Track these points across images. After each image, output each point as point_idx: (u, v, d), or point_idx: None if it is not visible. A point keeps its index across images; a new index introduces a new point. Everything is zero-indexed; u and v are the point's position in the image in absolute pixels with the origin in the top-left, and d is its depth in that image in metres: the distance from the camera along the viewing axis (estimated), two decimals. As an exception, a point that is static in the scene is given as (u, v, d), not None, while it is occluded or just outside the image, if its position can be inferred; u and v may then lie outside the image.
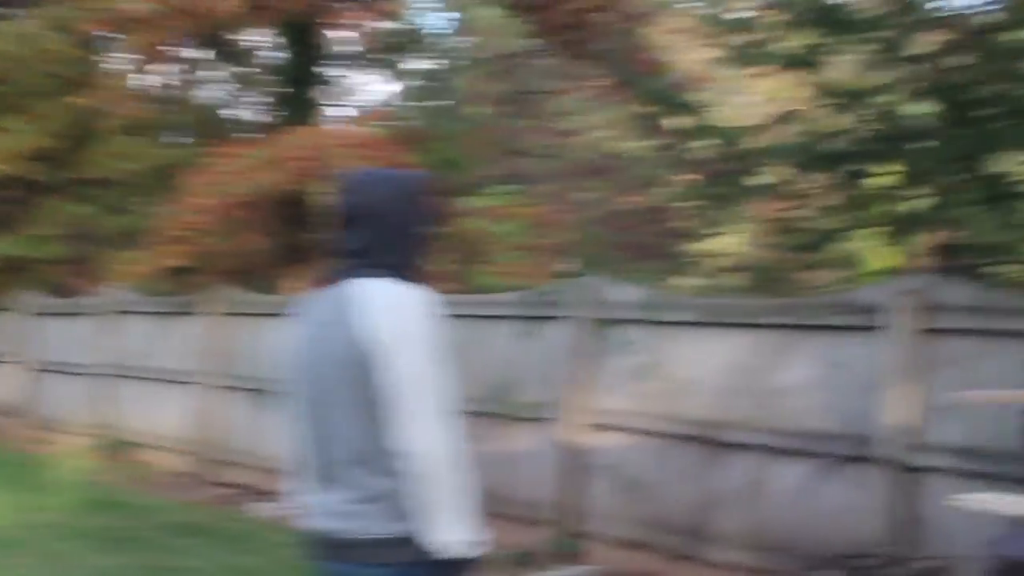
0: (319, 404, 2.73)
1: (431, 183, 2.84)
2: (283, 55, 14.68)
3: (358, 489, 2.64)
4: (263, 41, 15.45)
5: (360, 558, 2.63)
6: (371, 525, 2.62)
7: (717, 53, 10.24)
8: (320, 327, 2.75)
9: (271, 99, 15.10)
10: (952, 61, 9.26)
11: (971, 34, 9.07)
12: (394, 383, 2.59)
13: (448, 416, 2.62)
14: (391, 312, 2.62)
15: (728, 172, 9.89)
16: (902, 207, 8.94)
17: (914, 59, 9.36)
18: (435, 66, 17.89)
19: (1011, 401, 5.56)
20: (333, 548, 2.69)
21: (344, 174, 2.84)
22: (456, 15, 18.76)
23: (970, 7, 9.78)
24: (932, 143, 8.85)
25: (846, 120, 9.66)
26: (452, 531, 2.58)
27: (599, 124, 15.41)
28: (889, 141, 9.00)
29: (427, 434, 2.57)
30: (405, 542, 2.59)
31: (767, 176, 10.24)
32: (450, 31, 18.98)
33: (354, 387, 2.62)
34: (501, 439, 8.44)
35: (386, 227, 2.73)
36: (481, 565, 2.65)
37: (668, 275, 10.84)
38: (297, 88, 14.32)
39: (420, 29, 17.18)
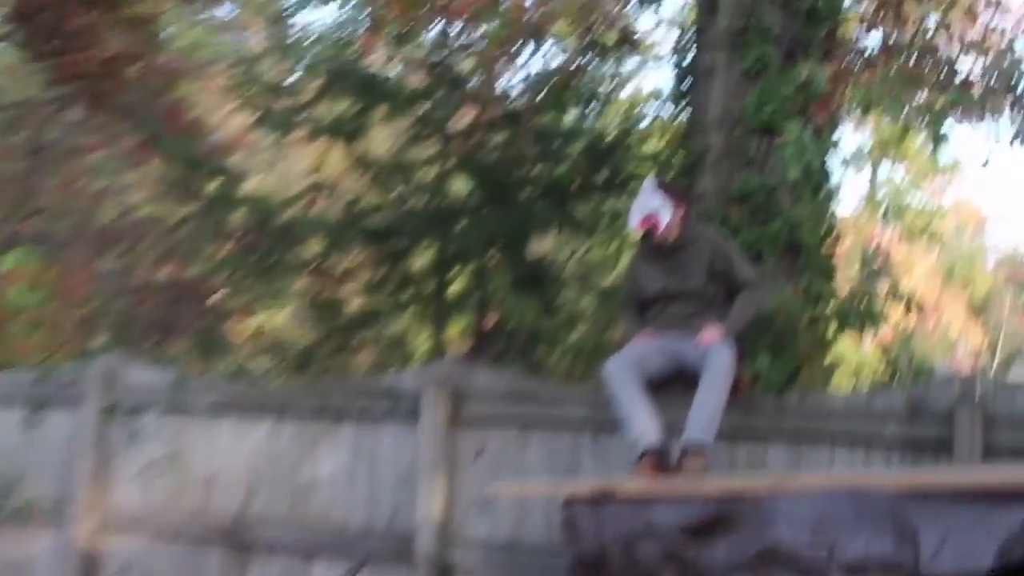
0: None
1: None
2: None
3: None
4: None
5: None
6: None
7: (254, 116, 9.98)
8: None
9: None
10: (488, 139, 9.62)
11: (507, 114, 9.46)
12: None
13: None
14: None
15: (266, 245, 9.62)
16: (443, 288, 9.05)
17: (451, 135, 9.61)
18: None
19: (544, 493, 5.64)
20: None
21: None
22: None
23: (510, 87, 10.25)
24: (467, 222, 9.08)
25: (387, 195, 9.72)
26: None
27: (129, 185, 14.61)
28: (429, 218, 9.12)
29: None
30: None
31: (307, 250, 10.06)
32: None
33: None
34: (6, 544, 7.56)
35: None
36: None
37: (199, 356, 10.32)
38: None
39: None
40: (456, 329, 9.54)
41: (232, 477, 6.87)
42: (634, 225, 5.44)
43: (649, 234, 5.45)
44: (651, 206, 5.37)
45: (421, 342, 9.98)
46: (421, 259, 9.36)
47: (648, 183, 5.46)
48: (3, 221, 13.66)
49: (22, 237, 13.65)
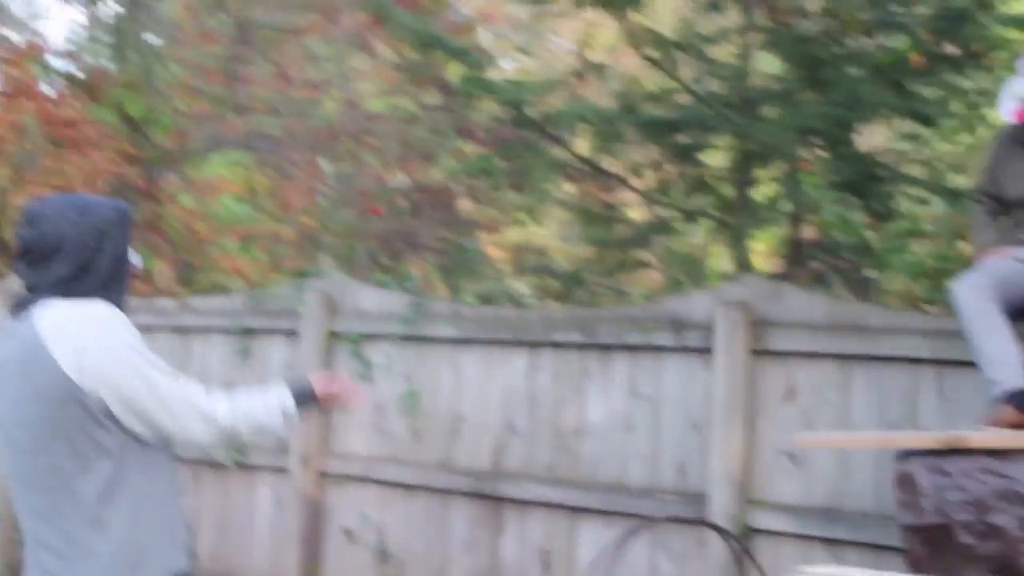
0: (24, 458, 3.26)
1: (125, 212, 3.45)
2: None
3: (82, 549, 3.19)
4: None
5: None
6: None
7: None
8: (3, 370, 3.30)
9: None
10: (804, 3, 9.54)
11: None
12: (133, 399, 3.23)
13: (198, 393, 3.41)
14: (92, 334, 3.22)
15: (523, 141, 9.89)
16: (746, 193, 9.10)
17: (751, 2, 9.58)
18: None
19: (872, 446, 5.67)
20: None
21: (28, 206, 3.41)
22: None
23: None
24: (777, 111, 9.06)
25: (673, 78, 9.81)
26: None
27: (354, 74, 15.22)
28: (727, 106, 9.16)
29: (204, 417, 3.35)
30: None
31: (574, 148, 10.29)
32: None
33: (68, 427, 3.18)
34: (221, 493, 8.30)
35: (75, 262, 3.32)
36: None
37: (442, 277, 10.74)
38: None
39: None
40: (762, 244, 9.58)
41: (481, 421, 7.21)
42: (1008, 113, 5.36)
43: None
44: None
45: (717, 260, 10.08)
46: (717, 157, 9.42)
47: (1022, 62, 5.37)
48: (207, 120, 14.50)
49: (229, 139, 14.48)
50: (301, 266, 12.36)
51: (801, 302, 6.19)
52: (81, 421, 3.20)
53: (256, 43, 15.46)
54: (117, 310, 3.34)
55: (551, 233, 14.22)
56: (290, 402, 3.58)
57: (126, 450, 3.27)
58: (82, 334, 3.24)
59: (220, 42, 15.78)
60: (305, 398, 3.64)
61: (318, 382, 3.72)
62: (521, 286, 11.14)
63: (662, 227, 9.56)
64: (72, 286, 3.33)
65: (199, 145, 14.10)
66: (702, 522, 6.08)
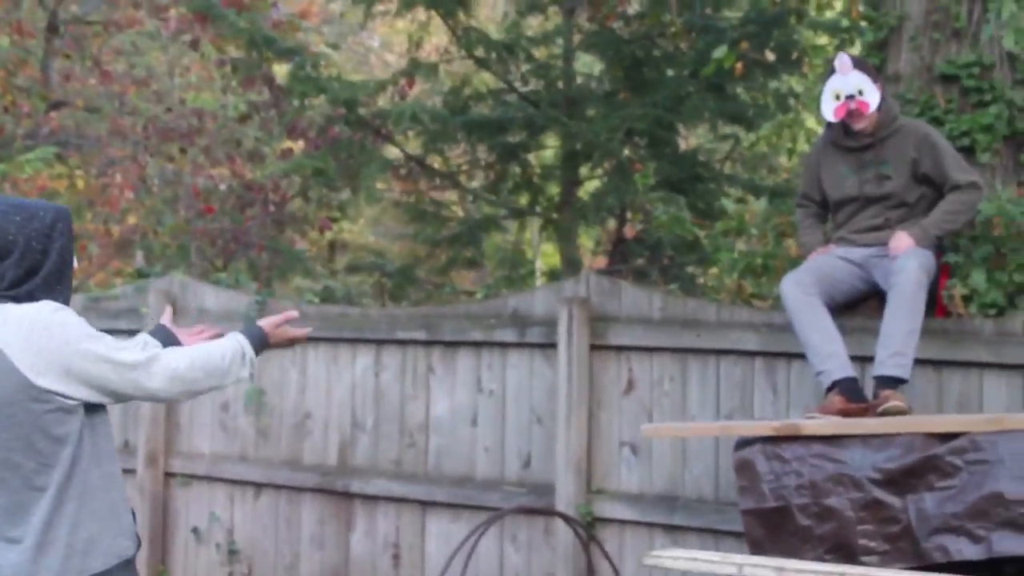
0: None
1: (66, 214, 3.50)
2: None
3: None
4: None
5: None
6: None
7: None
8: None
9: None
10: (625, 6, 9.80)
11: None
12: (103, 383, 3.33)
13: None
14: (49, 333, 3.28)
15: (352, 140, 9.94)
16: (572, 190, 9.31)
17: (578, 2, 9.81)
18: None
19: (710, 434, 5.93)
20: None
21: None
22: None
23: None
24: (600, 110, 9.29)
25: (500, 77, 9.98)
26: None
27: (179, 71, 15.04)
28: (552, 106, 9.37)
29: (169, 375, 3.43)
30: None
31: (403, 146, 10.39)
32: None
33: (28, 427, 3.26)
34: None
35: (23, 265, 3.36)
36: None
37: (276, 275, 10.73)
38: None
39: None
40: (587, 241, 9.82)
41: (328, 418, 7.30)
42: (830, 112, 5.62)
43: (843, 122, 5.64)
44: (853, 86, 5.56)
45: (544, 257, 10.28)
46: (543, 156, 9.63)
47: (843, 60, 5.62)
48: (20, 116, 14.12)
49: (44, 136, 14.13)
50: (124, 268, 12.20)
51: (638, 298, 6.41)
52: (40, 420, 3.27)
53: (72, 37, 15.12)
54: (64, 306, 3.39)
55: (381, 231, 14.24)
56: (247, 345, 3.63)
57: (81, 443, 3.34)
58: (38, 335, 3.29)
59: (33, 36, 15.38)
60: (259, 340, 3.70)
61: (267, 324, 3.78)
62: (351, 283, 11.18)
63: (491, 225, 9.72)
64: (20, 288, 3.38)
65: (16, 141, 13.73)
66: (550, 512, 6.27)
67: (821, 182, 5.84)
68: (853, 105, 5.55)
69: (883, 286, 5.45)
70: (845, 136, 5.71)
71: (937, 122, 6.27)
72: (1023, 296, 5.57)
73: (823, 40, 9.17)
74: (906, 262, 5.26)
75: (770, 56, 9.11)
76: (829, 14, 9.22)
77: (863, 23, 6.86)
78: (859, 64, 5.66)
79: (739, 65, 7.94)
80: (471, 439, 6.84)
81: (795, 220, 6.22)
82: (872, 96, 5.55)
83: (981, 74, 6.39)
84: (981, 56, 6.38)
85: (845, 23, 8.85)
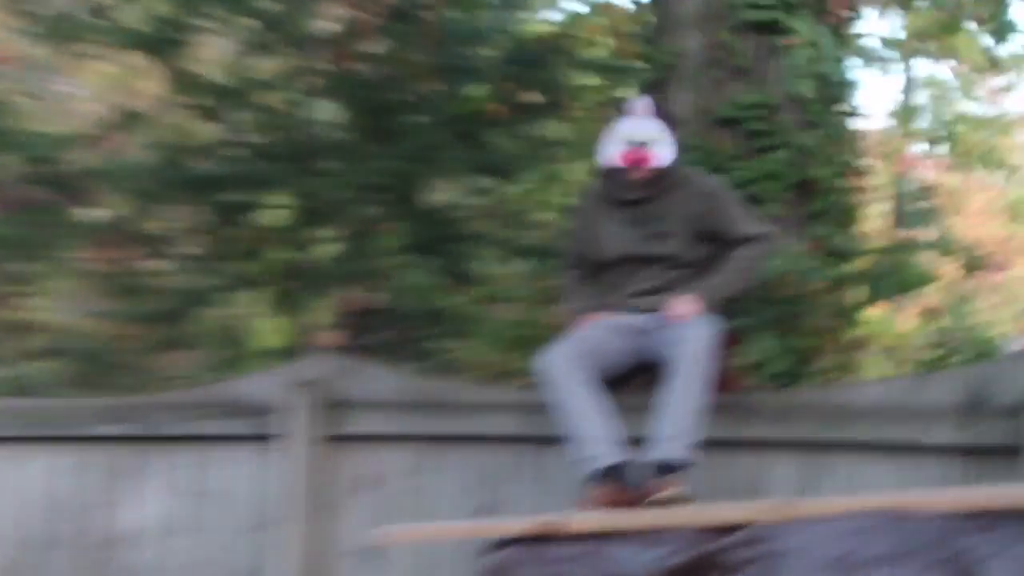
0: None
1: None
2: None
3: None
4: None
5: None
6: None
7: (19, 22, 9.97)
8: None
9: None
10: (368, 47, 9.72)
11: (394, 10, 9.54)
12: None
13: None
14: None
15: (43, 201, 9.63)
16: (303, 255, 9.15)
17: (314, 42, 9.69)
18: None
19: (461, 535, 5.79)
20: None
21: None
22: None
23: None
24: (338, 163, 9.16)
25: (221, 128, 9.77)
26: None
27: None
28: (282, 159, 9.20)
29: None
30: None
31: (106, 208, 10.08)
32: None
33: None
34: None
35: None
36: None
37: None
38: None
39: None
40: (322, 315, 9.64)
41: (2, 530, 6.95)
42: (615, 156, 5.57)
43: (621, 171, 5.60)
44: (646, 134, 5.54)
45: (272, 334, 10.08)
46: (272, 216, 9.44)
47: (640, 103, 5.62)
48: None
49: None
50: None
51: (382, 379, 6.29)
52: None
53: None
54: None
55: (68, 308, 13.79)
56: None
57: None
58: None
59: None
60: None
61: None
62: (40, 369, 10.79)
63: (209, 297, 9.47)
64: None
65: None
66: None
67: (592, 239, 5.77)
68: (644, 154, 5.52)
69: (661, 358, 5.40)
70: (621, 187, 5.65)
71: (720, 170, 6.31)
72: (814, 363, 5.64)
73: (592, 81, 9.23)
74: (692, 331, 5.23)
75: (532, 99, 9.10)
76: (599, 51, 9.30)
77: (637, 62, 6.92)
78: (660, 113, 5.66)
79: (497, 108, 7.90)
80: (186, 551, 6.57)
81: (562, 283, 6.16)
82: (663, 150, 5.54)
83: (766, 116, 6.47)
84: (766, 96, 6.46)
85: (616, 62, 8.95)
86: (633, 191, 5.62)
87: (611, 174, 5.66)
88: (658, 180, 5.59)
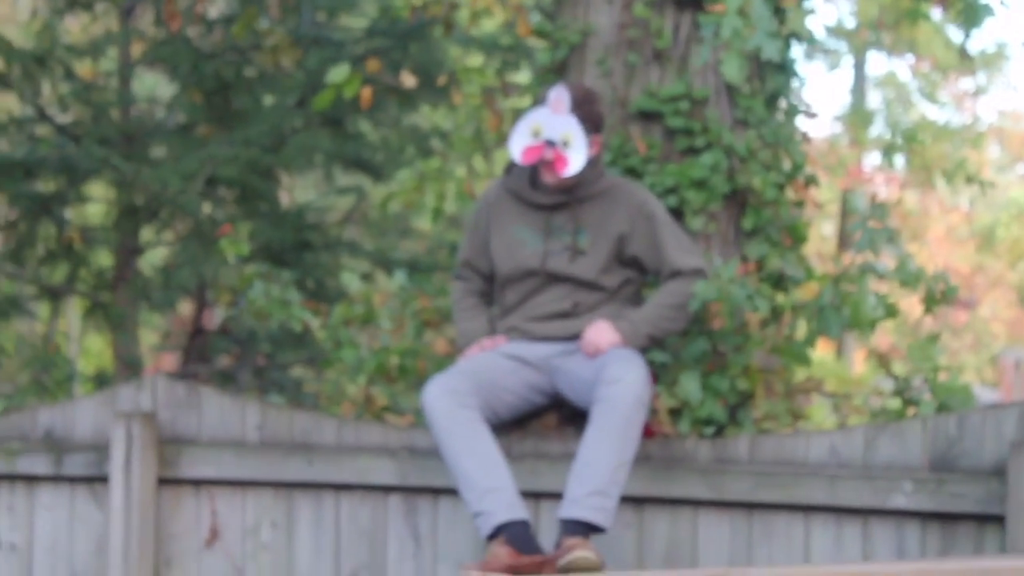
0: None
1: None
2: None
3: None
4: None
5: None
6: None
7: None
8: None
9: None
10: (199, 8, 9.71)
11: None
12: None
13: None
14: None
15: None
16: (127, 260, 9.14)
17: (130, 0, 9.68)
18: None
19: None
20: None
21: None
22: None
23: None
24: (169, 149, 9.18)
25: (19, 103, 9.72)
26: None
27: None
28: (103, 143, 9.20)
29: None
30: None
31: None
32: None
33: None
34: None
35: None
36: None
37: None
38: None
39: None
40: (151, 334, 9.63)
41: None
42: (518, 150, 5.54)
43: (530, 170, 5.65)
44: (560, 132, 5.51)
45: (89, 355, 10.03)
46: (89, 213, 9.42)
47: (561, 94, 5.59)
48: None
49: None
50: None
51: (226, 412, 6.29)
52: None
53: None
54: None
55: None
56: None
57: None
58: None
59: None
60: None
61: None
62: None
63: (11, 308, 9.38)
64: None
65: None
66: None
67: (490, 246, 5.77)
68: (550, 155, 5.49)
69: (569, 396, 5.46)
70: (531, 188, 5.69)
71: (634, 173, 6.26)
72: (748, 409, 5.70)
73: (478, 61, 9.22)
74: (623, 371, 5.23)
75: (408, 81, 9.14)
76: (488, 26, 9.30)
77: (533, 40, 6.87)
78: (582, 108, 5.61)
79: (365, 92, 7.88)
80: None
81: (450, 301, 6.18)
82: (578, 155, 5.49)
83: (691, 111, 6.40)
84: (691, 87, 6.38)
85: (507, 40, 8.97)
86: (547, 195, 5.64)
87: (521, 171, 5.71)
88: (578, 186, 5.62)
